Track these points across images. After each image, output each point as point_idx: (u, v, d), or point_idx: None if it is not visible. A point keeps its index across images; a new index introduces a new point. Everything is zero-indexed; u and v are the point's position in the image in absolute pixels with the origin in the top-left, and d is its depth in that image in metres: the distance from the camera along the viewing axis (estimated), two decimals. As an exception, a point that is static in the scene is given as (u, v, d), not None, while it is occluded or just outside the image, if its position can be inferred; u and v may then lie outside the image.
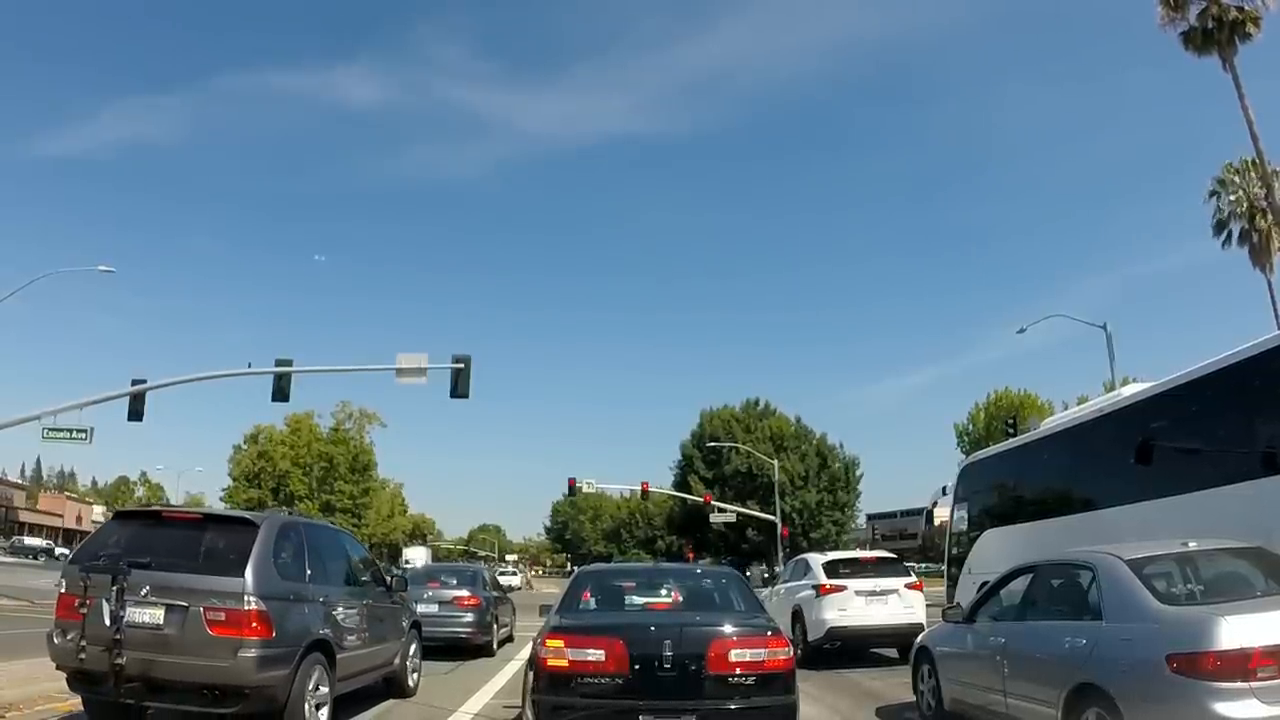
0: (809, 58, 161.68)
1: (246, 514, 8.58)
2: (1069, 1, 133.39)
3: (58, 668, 7.44)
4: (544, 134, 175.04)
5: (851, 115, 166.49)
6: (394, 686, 10.50)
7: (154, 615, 6.97)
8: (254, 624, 7.00)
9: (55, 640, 7.25)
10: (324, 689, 7.94)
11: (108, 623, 6.75)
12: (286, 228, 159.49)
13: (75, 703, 8.18)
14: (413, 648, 10.93)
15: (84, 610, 6.87)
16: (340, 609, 8.60)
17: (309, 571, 8.22)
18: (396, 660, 10.33)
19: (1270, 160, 31.87)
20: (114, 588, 6.80)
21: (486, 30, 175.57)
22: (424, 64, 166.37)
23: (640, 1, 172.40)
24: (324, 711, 7.94)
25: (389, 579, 10.80)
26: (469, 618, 15.86)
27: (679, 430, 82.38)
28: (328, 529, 10.40)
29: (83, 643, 6.81)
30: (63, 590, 7.42)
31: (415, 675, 10.99)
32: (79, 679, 7.26)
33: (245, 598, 7.03)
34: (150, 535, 7.63)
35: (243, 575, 7.11)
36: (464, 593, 16.33)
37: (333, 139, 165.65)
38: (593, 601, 8.17)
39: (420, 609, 13.20)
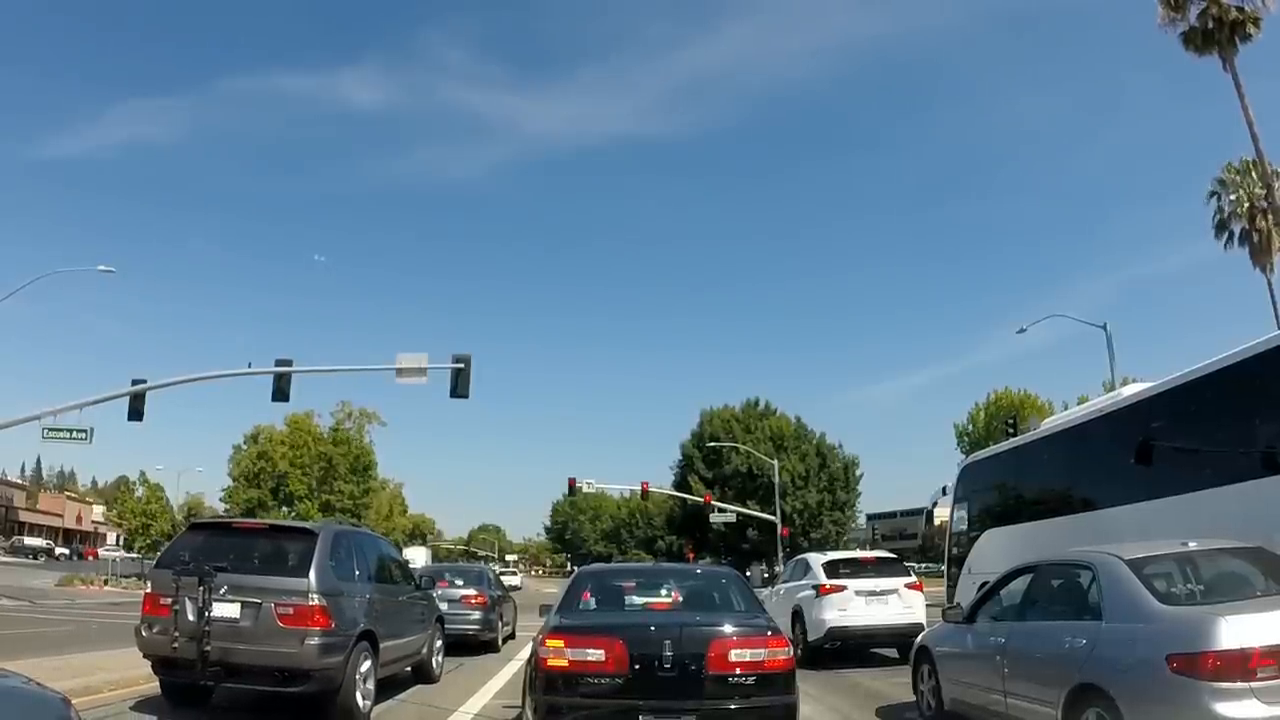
0: (811, 61, 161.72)
1: (306, 524, 10.24)
2: (1068, 2, 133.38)
3: (145, 655, 8.57)
4: (547, 136, 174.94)
5: (853, 118, 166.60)
6: (421, 673, 11.63)
7: (232, 610, 8.06)
8: (317, 616, 8.09)
9: (144, 633, 8.38)
10: (370, 673, 9.01)
11: (195, 617, 7.90)
12: (287, 229, 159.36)
13: (135, 690, 9.62)
14: (438, 640, 12.15)
15: (176, 607, 7.98)
16: (381, 604, 9.66)
17: (357, 572, 9.37)
18: (424, 650, 11.46)
19: (1270, 160, 31.88)
20: (201, 587, 7.91)
21: (491, 33, 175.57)
22: (428, 66, 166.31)
23: (644, 5, 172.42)
24: (369, 691, 8.99)
25: (419, 579, 12.05)
26: (476, 615, 16.62)
27: (679, 430, 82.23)
28: (369, 535, 11.73)
29: (175, 634, 7.95)
30: (149, 590, 8.74)
31: (439, 663, 12.19)
32: (165, 664, 8.36)
33: (310, 595, 8.12)
34: (222, 542, 8.72)
35: (307, 576, 8.20)
36: (471, 591, 17.03)
37: (335, 141, 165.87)
38: (593, 601, 8.16)
39: None
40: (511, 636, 18.98)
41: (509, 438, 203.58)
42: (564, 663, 6.71)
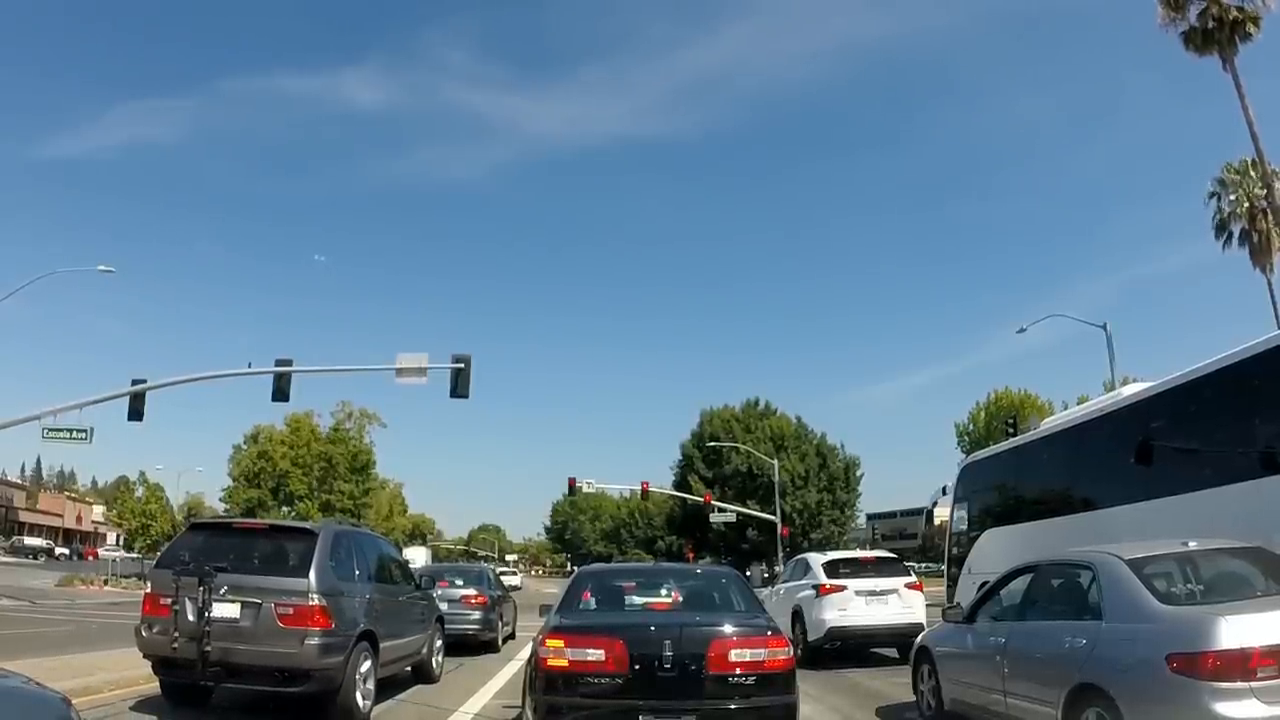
0: (811, 62, 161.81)
1: (306, 524, 10.25)
2: (1068, 2, 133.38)
3: (145, 655, 8.58)
4: (548, 136, 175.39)
5: (853, 118, 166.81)
6: (421, 673, 11.62)
7: (232, 610, 8.07)
8: (317, 616, 8.10)
9: (144, 633, 8.39)
10: (370, 673, 9.03)
11: (195, 618, 7.92)
12: (288, 229, 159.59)
13: (135, 690, 9.61)
14: (438, 640, 12.15)
15: (176, 607, 8.00)
16: (381, 604, 9.68)
17: (357, 572, 9.39)
18: (424, 650, 11.47)
19: (1270, 160, 31.84)
20: (201, 588, 7.93)
21: (492, 34, 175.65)
22: (430, 67, 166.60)
23: (645, 6, 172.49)
24: (369, 691, 9.02)
25: (419, 579, 12.11)
26: (476, 615, 16.63)
27: (679, 430, 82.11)
28: (369, 535, 11.78)
29: (175, 634, 7.96)
30: (149, 590, 8.75)
31: (439, 663, 12.18)
32: (165, 665, 8.38)
33: (310, 595, 8.13)
34: (223, 542, 8.74)
35: (307, 576, 8.22)
36: (471, 591, 17.04)
37: (337, 141, 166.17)
38: (593, 601, 8.16)
39: None
40: (511, 636, 18.98)
41: (509, 438, 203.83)
42: (564, 663, 6.71)
